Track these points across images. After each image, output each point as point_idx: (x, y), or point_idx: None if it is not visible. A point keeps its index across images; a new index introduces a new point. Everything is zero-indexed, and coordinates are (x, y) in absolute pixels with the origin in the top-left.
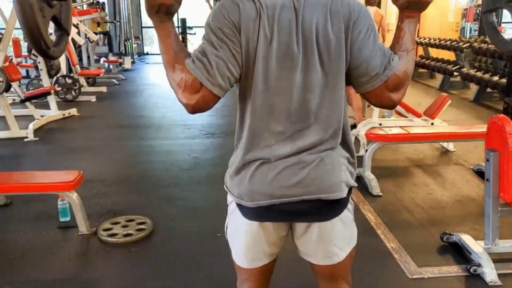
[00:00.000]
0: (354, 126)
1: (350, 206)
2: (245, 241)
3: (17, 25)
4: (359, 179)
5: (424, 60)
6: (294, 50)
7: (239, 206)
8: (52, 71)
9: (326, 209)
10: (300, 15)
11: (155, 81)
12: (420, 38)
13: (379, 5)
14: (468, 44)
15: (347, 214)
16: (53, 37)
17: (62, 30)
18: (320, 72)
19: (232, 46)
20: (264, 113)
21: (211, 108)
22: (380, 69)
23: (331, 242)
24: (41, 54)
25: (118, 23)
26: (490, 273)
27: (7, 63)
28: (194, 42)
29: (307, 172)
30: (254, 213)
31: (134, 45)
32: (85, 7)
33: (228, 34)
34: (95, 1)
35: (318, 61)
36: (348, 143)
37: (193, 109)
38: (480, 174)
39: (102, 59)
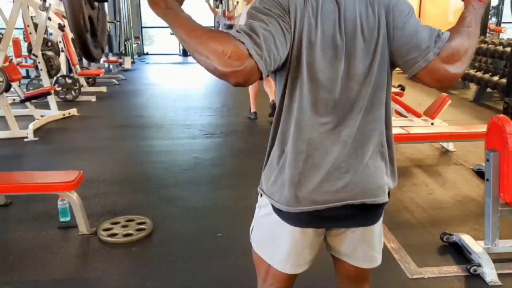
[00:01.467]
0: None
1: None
2: (286, 247)
3: (17, 25)
4: None
5: None
6: (337, 40)
7: (278, 211)
8: (52, 71)
9: (370, 213)
10: (342, 6)
11: (155, 81)
12: None
13: None
14: None
15: (381, 222)
16: None
17: (96, 38)
18: (364, 61)
19: (283, 24)
20: (309, 103)
21: (250, 85)
22: (430, 42)
23: (373, 247)
24: (84, 50)
25: (118, 23)
26: (490, 273)
27: (7, 63)
28: None
29: (352, 175)
30: (297, 219)
31: (134, 45)
32: None
33: (277, 14)
34: None
35: (363, 50)
36: (389, 139)
37: (237, 78)
38: (480, 174)
39: (102, 59)
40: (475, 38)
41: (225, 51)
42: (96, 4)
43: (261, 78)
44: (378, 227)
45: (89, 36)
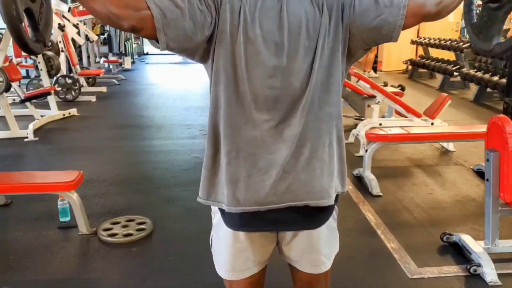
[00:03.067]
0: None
1: (335, 213)
2: (231, 252)
3: None
4: (359, 179)
5: (424, 60)
6: (278, 36)
7: (223, 214)
8: (52, 71)
9: (314, 216)
10: (284, 4)
11: (155, 81)
12: (420, 38)
13: None
14: (468, 44)
15: (332, 222)
16: None
17: (37, 32)
18: (306, 59)
19: (201, 9)
20: (249, 100)
21: (146, 34)
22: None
23: (319, 251)
24: (22, 45)
25: None
26: (490, 273)
27: (7, 63)
28: None
29: (295, 176)
30: (239, 221)
31: (134, 45)
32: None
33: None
34: None
35: (306, 48)
36: (338, 139)
37: (130, 20)
38: (480, 174)
39: (102, 59)
40: None
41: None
42: None
43: (157, 40)
44: (325, 230)
45: (30, 29)
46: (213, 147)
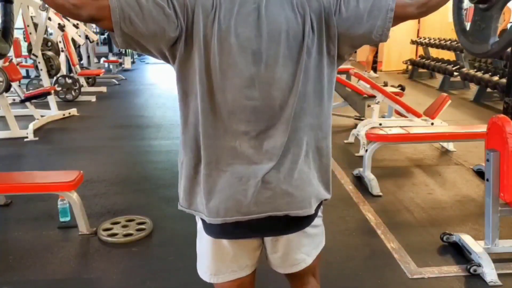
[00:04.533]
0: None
1: (320, 211)
2: (214, 257)
3: (17, 25)
4: (359, 179)
5: (424, 60)
6: (256, 44)
7: (203, 222)
8: (52, 71)
9: (293, 223)
10: (263, 9)
11: (155, 81)
12: (420, 38)
13: None
14: None
15: (316, 221)
16: None
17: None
18: (287, 69)
19: (167, 13)
20: (225, 111)
21: (103, 24)
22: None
23: (298, 250)
24: None
25: None
26: (490, 273)
27: (7, 63)
28: None
29: (276, 186)
30: (220, 231)
31: None
32: None
33: (173, 5)
34: None
35: (286, 57)
36: (323, 149)
37: (88, 10)
38: (480, 174)
39: (102, 59)
40: None
41: None
42: None
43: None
44: (306, 233)
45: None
46: (195, 157)
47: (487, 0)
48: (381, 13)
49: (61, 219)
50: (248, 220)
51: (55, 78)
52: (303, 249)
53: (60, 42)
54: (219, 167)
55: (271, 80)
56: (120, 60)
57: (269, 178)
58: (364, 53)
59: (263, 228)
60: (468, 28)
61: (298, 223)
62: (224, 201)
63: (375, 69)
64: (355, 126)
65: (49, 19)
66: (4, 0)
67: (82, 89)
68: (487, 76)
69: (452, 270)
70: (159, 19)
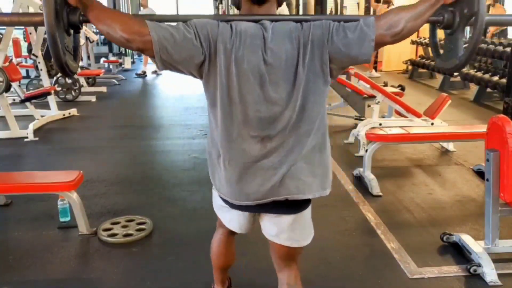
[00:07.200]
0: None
1: (310, 207)
2: (228, 217)
3: None
4: (359, 179)
5: (424, 60)
6: (262, 69)
7: (222, 198)
8: (52, 71)
9: (293, 206)
10: (268, 42)
11: (155, 81)
12: (420, 38)
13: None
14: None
15: (308, 215)
16: None
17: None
18: (285, 87)
19: (194, 44)
20: (240, 120)
21: (149, 53)
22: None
23: (296, 229)
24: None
25: None
26: (490, 273)
27: (7, 63)
28: None
29: (278, 179)
30: (235, 206)
31: None
32: None
33: (199, 37)
34: None
35: (285, 80)
36: (320, 146)
37: (136, 43)
38: (480, 174)
39: (102, 59)
40: (414, 14)
41: (132, 27)
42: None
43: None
44: (302, 217)
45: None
46: (216, 152)
47: (450, 26)
48: (365, 42)
49: (61, 219)
50: (256, 204)
51: (55, 78)
52: (297, 231)
53: None
54: (232, 164)
55: (273, 98)
56: (120, 60)
57: (271, 173)
58: None
59: (268, 206)
60: (442, 51)
61: (296, 205)
62: (237, 190)
63: (375, 69)
64: (355, 126)
65: None
66: (76, 31)
67: (82, 89)
68: (487, 76)
69: (452, 270)
70: (188, 48)
